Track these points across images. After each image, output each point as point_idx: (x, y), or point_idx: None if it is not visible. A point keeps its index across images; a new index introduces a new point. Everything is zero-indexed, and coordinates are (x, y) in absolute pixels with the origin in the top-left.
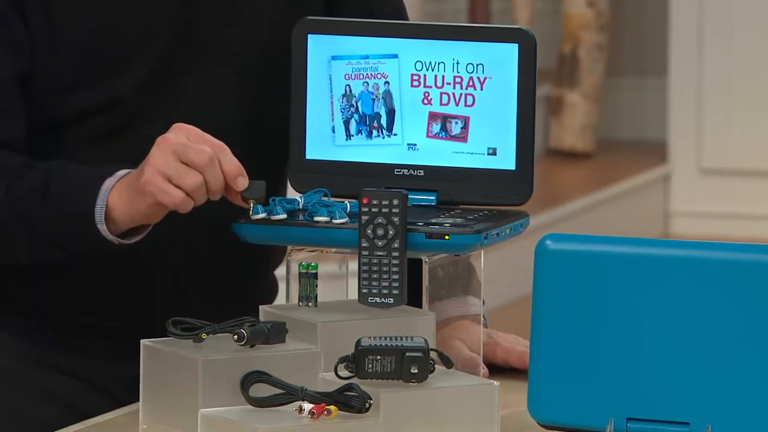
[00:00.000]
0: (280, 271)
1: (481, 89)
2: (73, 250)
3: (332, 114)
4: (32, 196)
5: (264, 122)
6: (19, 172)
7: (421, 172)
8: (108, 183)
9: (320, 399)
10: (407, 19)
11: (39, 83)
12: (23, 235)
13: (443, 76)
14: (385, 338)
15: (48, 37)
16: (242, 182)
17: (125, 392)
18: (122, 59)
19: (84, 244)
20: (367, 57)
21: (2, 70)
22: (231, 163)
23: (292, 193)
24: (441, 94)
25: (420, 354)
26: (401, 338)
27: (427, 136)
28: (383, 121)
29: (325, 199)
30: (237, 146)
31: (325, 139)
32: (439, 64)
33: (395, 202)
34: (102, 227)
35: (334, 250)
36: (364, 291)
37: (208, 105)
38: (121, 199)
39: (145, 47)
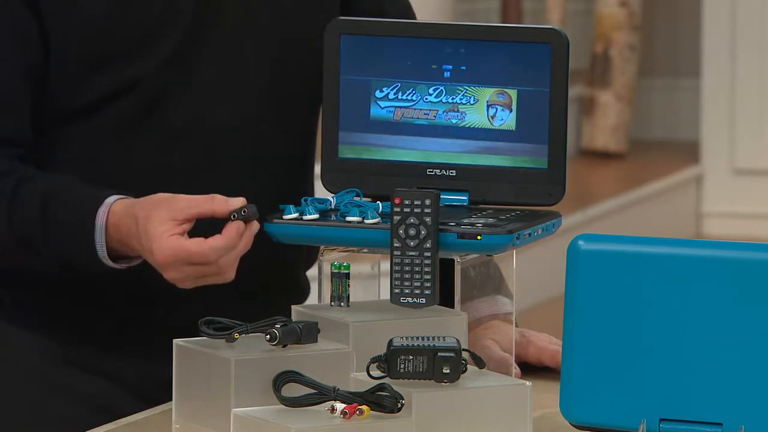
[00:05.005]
0: (312, 271)
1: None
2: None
3: None
4: (32, 227)
5: (294, 102)
6: (15, 191)
7: (453, 172)
8: (100, 220)
9: (352, 399)
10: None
11: (58, 68)
12: (30, 257)
13: None
14: (418, 338)
15: (65, 18)
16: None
17: (156, 391)
18: (143, 38)
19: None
20: None
21: (9, 66)
22: (229, 259)
23: (324, 192)
24: None
25: (452, 354)
26: (433, 338)
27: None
28: None
29: (357, 199)
30: (267, 124)
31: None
32: None
33: (427, 202)
34: (108, 262)
35: (366, 250)
36: (396, 291)
37: (235, 86)
38: (120, 243)
39: (166, 24)
